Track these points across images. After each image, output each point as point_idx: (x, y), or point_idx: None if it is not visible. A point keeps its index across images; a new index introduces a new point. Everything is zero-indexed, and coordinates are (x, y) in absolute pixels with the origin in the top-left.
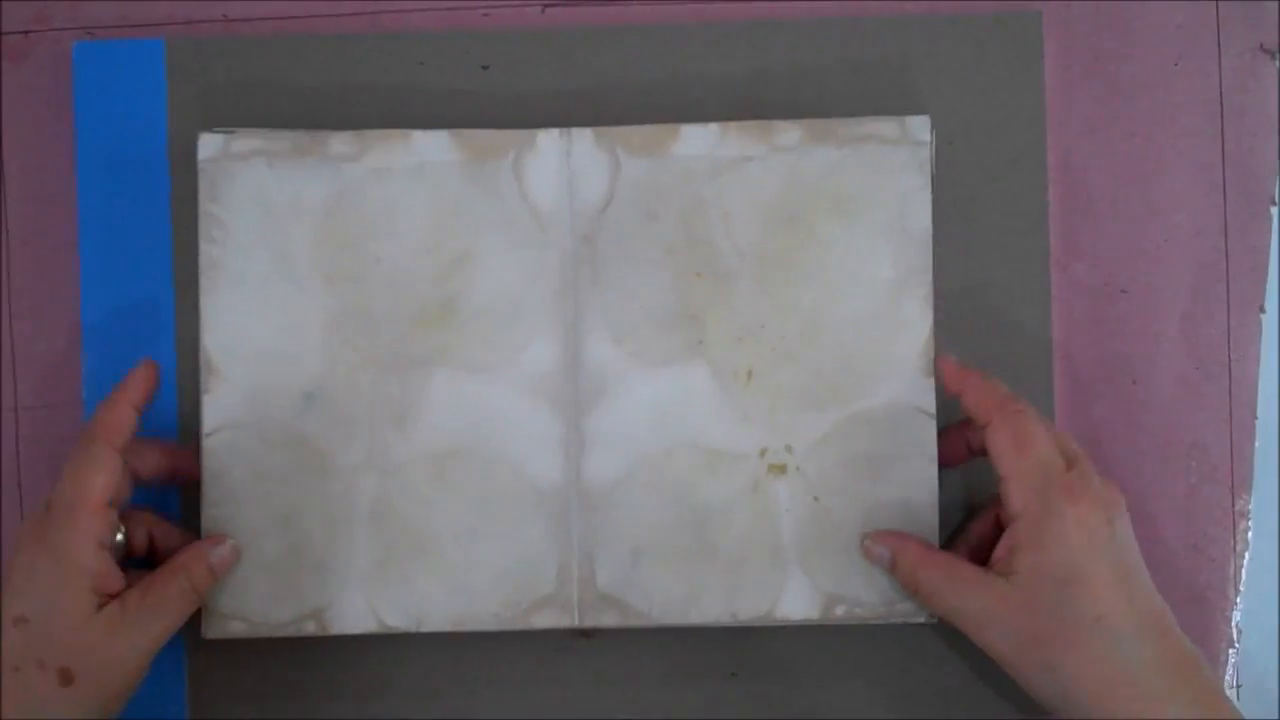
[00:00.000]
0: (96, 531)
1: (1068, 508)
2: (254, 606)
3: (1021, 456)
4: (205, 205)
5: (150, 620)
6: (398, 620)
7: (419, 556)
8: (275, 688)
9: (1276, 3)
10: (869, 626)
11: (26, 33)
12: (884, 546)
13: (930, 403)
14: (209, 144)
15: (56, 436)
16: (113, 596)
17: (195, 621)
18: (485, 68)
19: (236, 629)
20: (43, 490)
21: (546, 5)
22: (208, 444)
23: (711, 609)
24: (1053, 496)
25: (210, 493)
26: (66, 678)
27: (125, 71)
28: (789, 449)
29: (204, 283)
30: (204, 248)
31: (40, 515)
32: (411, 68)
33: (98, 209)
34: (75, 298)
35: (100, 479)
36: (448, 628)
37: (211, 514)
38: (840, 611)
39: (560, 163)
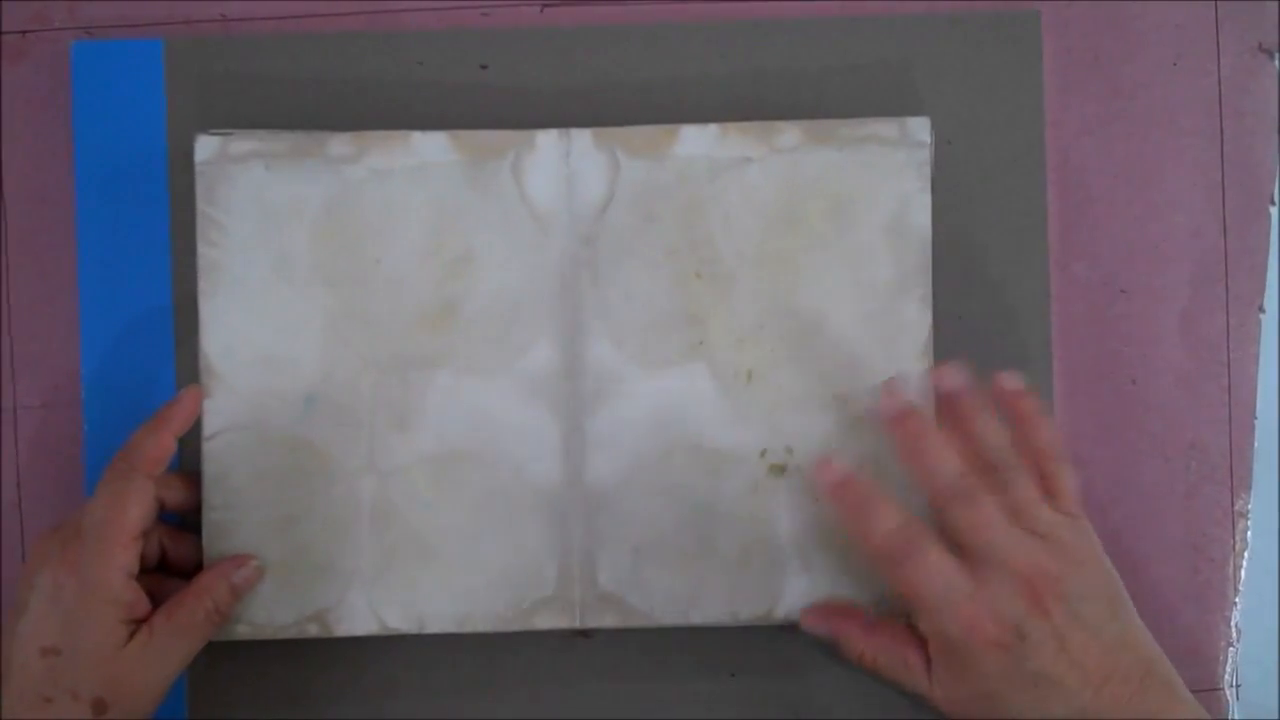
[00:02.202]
0: (128, 563)
1: (972, 638)
2: (256, 609)
3: (921, 598)
4: (203, 208)
5: (177, 645)
6: (399, 622)
7: (420, 558)
8: (275, 688)
9: (1276, 2)
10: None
11: (25, 32)
12: (824, 628)
13: (929, 404)
14: (206, 146)
15: (56, 436)
16: (139, 621)
17: None
18: (484, 67)
19: (239, 632)
20: (43, 491)
21: (545, 5)
22: (208, 448)
23: (712, 609)
24: (957, 632)
25: (211, 496)
26: (101, 707)
27: (124, 71)
28: (789, 450)
29: (202, 286)
30: (202, 250)
31: (66, 538)
32: (410, 67)
33: (96, 209)
34: (74, 297)
35: (137, 511)
36: (450, 629)
37: (213, 518)
38: None
39: (559, 163)
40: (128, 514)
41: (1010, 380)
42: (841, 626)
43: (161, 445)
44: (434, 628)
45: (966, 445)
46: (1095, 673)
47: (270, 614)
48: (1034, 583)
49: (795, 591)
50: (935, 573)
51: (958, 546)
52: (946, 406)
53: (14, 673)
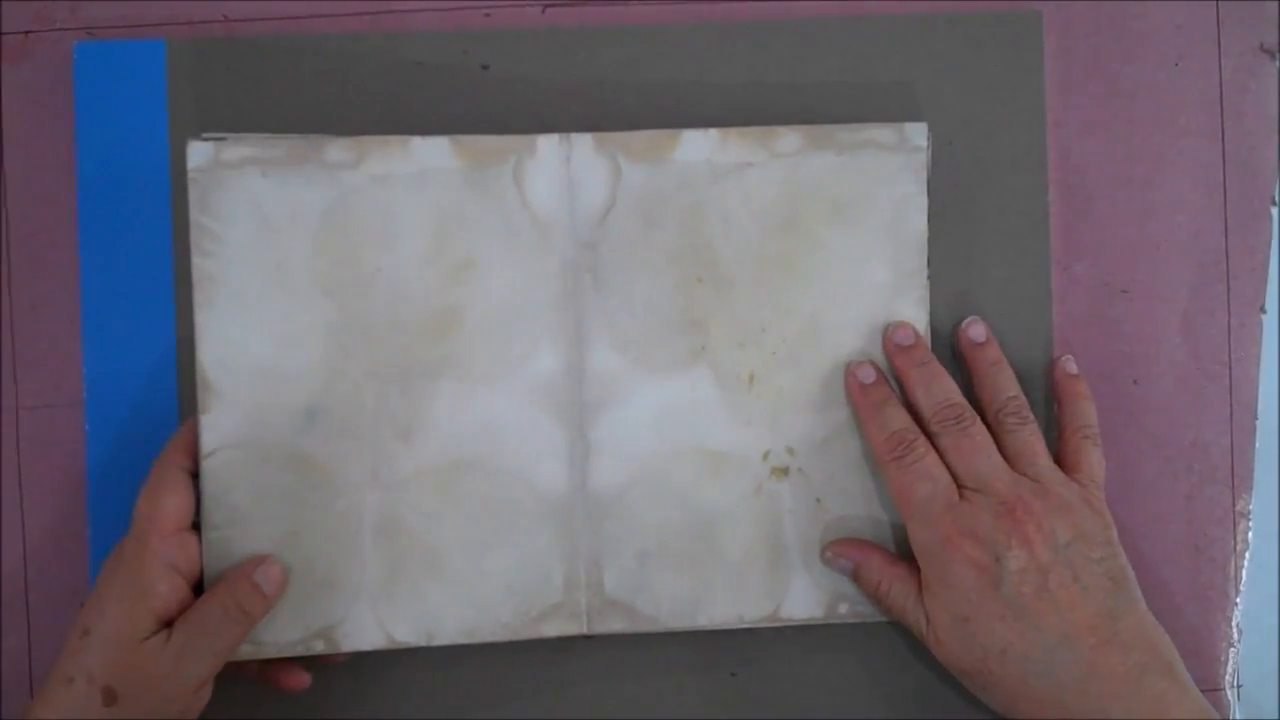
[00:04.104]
0: (168, 554)
1: (948, 550)
2: (261, 626)
3: (907, 502)
4: (197, 216)
5: (197, 645)
6: (408, 635)
7: (427, 569)
8: (282, 695)
9: (1276, 2)
10: (870, 625)
11: (27, 33)
12: (846, 558)
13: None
14: (199, 152)
15: (57, 437)
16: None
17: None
18: (485, 68)
19: (244, 651)
20: (43, 490)
21: (547, 6)
22: (207, 465)
23: (718, 612)
24: (935, 541)
25: (212, 515)
26: (110, 697)
27: (126, 72)
28: (791, 451)
29: (198, 297)
30: (197, 261)
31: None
32: (411, 68)
33: (97, 209)
34: (75, 297)
35: (172, 500)
36: (459, 640)
37: (212, 536)
38: (844, 610)
39: (560, 169)
40: (161, 505)
41: (1069, 365)
42: (864, 555)
43: (185, 437)
44: (443, 640)
45: (982, 395)
46: (1085, 630)
47: (276, 632)
48: (1014, 510)
49: (800, 592)
50: (924, 476)
51: (950, 472)
52: (970, 359)
53: (59, 650)
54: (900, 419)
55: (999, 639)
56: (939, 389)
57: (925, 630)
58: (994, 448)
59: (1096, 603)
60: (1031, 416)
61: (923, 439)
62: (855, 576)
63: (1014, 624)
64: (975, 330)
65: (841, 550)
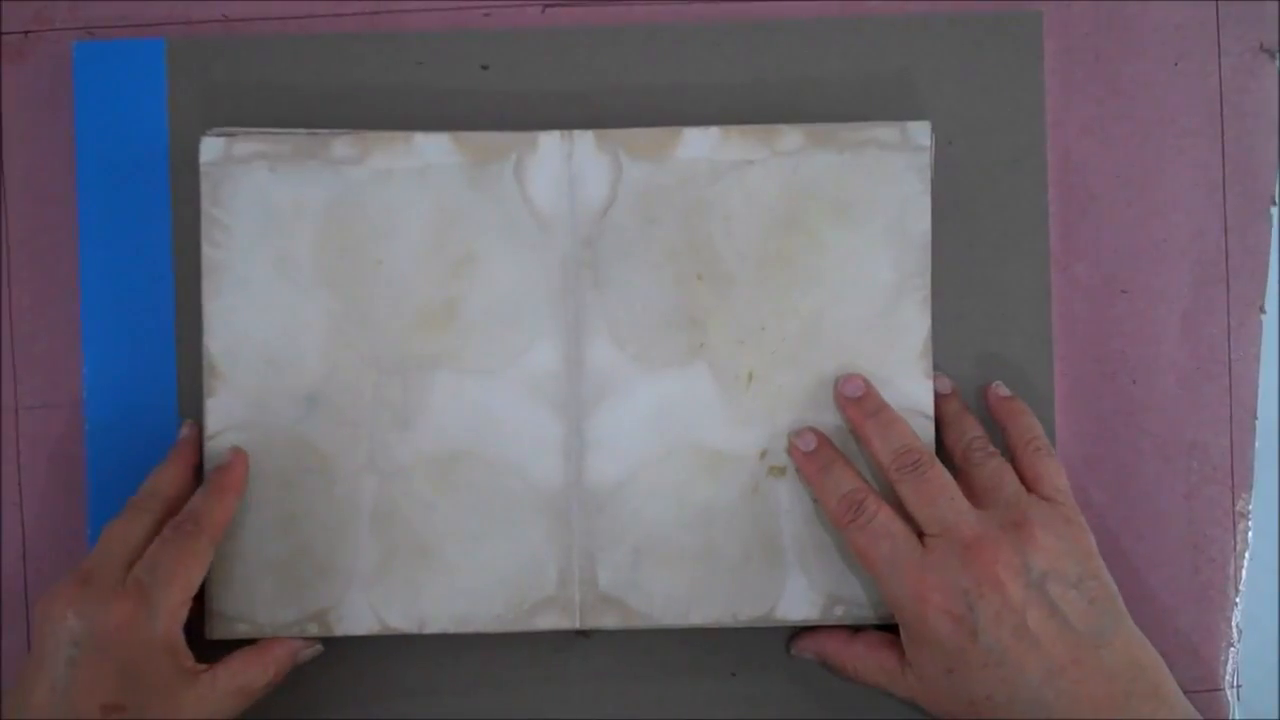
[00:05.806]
0: (185, 617)
1: (921, 605)
2: (258, 608)
3: (872, 563)
4: (207, 208)
5: (233, 702)
6: (400, 622)
7: (421, 559)
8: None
9: (1276, 2)
10: (868, 627)
11: (26, 33)
12: (809, 651)
13: (929, 405)
14: (211, 147)
15: (56, 436)
16: (187, 670)
17: (198, 621)
18: (485, 68)
19: (241, 630)
20: (43, 491)
21: (547, 5)
22: (210, 447)
23: (712, 610)
24: (906, 598)
25: None
26: None
27: (125, 71)
28: (789, 451)
29: (206, 286)
30: (206, 251)
31: (105, 592)
32: (411, 68)
33: (97, 208)
34: (75, 297)
35: (201, 572)
36: (450, 629)
37: None
38: (840, 612)
39: (561, 165)
40: (194, 575)
41: (999, 389)
42: (823, 645)
43: (229, 510)
44: (434, 628)
45: (948, 439)
46: (1068, 664)
47: (272, 613)
48: (981, 552)
49: (795, 592)
50: (883, 534)
51: (912, 521)
52: (936, 409)
53: None
54: (849, 480)
55: (983, 687)
56: (894, 436)
57: (910, 689)
58: (956, 488)
59: (1078, 633)
60: (997, 451)
61: (873, 496)
62: (824, 664)
63: (996, 670)
64: (941, 384)
65: (805, 644)
